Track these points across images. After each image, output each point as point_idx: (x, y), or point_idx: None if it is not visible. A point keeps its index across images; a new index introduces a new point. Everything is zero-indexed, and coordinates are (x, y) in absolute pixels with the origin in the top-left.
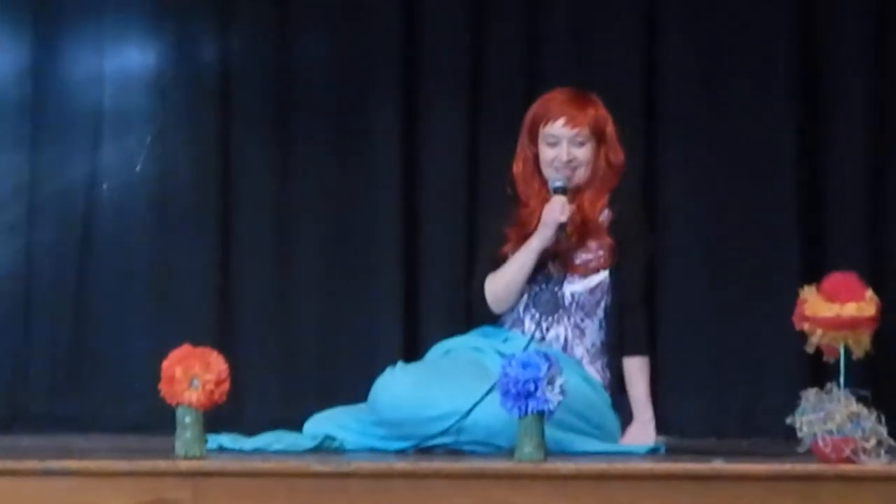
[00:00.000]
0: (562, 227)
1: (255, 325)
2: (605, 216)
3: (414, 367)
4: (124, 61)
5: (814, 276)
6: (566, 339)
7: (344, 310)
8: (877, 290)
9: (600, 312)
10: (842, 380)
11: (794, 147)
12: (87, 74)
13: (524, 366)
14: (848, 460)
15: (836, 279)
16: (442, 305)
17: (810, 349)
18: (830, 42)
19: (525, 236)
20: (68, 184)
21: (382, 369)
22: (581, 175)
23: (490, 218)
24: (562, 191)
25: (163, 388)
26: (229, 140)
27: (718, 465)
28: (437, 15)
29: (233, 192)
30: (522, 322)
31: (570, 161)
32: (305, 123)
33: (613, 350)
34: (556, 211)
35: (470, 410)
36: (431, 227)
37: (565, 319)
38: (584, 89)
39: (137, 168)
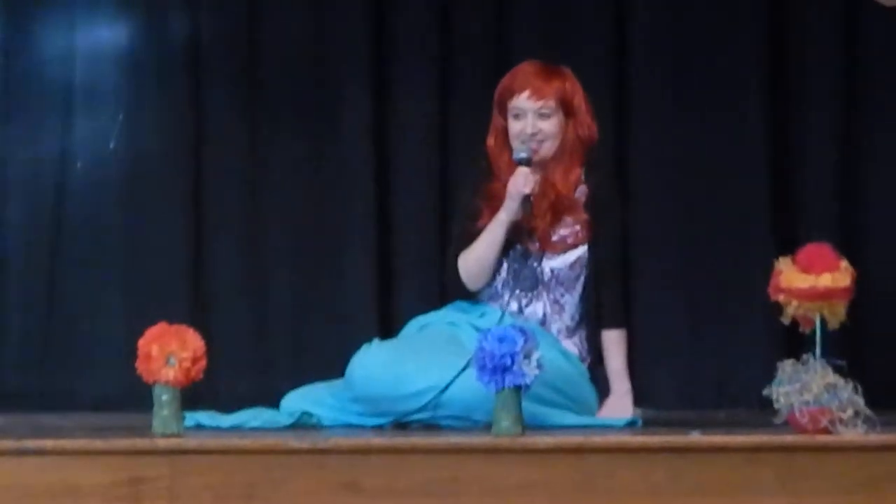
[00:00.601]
0: (526, 198)
1: (230, 303)
2: (580, 191)
3: (389, 344)
4: (95, 37)
5: (788, 246)
6: (544, 315)
7: (319, 286)
8: (851, 261)
9: (579, 287)
10: (818, 350)
11: (765, 118)
12: (57, 50)
13: (500, 340)
14: (825, 431)
15: (810, 250)
16: (417, 281)
17: (786, 320)
18: (801, 15)
19: (497, 210)
20: (39, 161)
21: (358, 346)
22: (548, 148)
23: (463, 193)
24: (526, 162)
25: (139, 366)
26: (201, 116)
27: (696, 436)
28: None
29: (205, 168)
30: (501, 298)
31: (534, 134)
32: (277, 99)
33: (591, 323)
34: (520, 183)
35: (447, 386)
36: (404, 202)
37: (544, 295)
38: (554, 62)
39: (111, 145)
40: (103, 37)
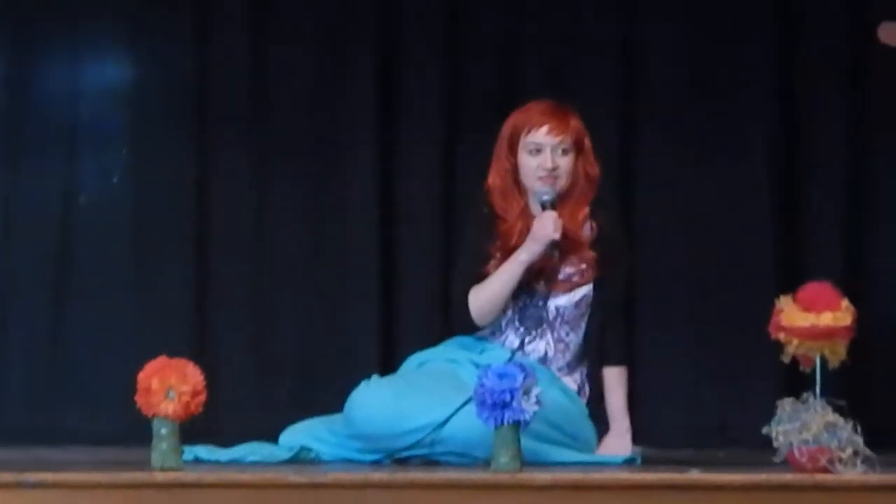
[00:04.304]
0: (554, 244)
1: (231, 337)
2: (587, 229)
3: (388, 381)
4: (100, 75)
5: (789, 285)
6: (545, 352)
7: (319, 321)
8: (853, 300)
9: (583, 325)
10: (818, 389)
11: (770, 157)
12: (62, 88)
13: (500, 376)
14: (824, 470)
15: (812, 289)
16: (418, 316)
17: (786, 359)
18: (810, 43)
19: (508, 251)
20: (44, 197)
21: (358, 381)
22: (562, 185)
23: (467, 228)
24: (550, 205)
25: (139, 399)
26: (205, 153)
27: (694, 475)
28: (415, 28)
29: (209, 205)
30: (504, 334)
31: (554, 169)
32: (282, 138)
33: (593, 360)
34: (549, 227)
35: (445, 421)
36: (407, 240)
37: (548, 333)
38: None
39: (115, 180)
40: (108, 74)
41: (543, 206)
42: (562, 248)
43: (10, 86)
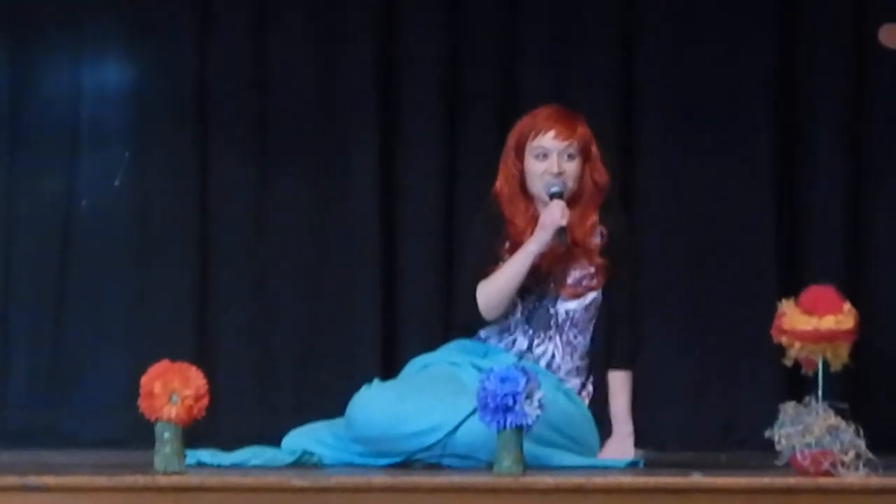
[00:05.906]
0: (562, 230)
1: (232, 341)
2: (596, 235)
3: (389, 385)
4: (102, 77)
5: (792, 288)
6: (553, 355)
7: (321, 325)
8: (854, 303)
9: (591, 328)
10: (820, 393)
11: (771, 161)
12: (64, 90)
13: (502, 380)
14: (826, 473)
15: (814, 292)
16: (420, 320)
17: (789, 362)
18: (807, 54)
19: (515, 251)
20: (46, 199)
21: (359, 385)
22: (569, 190)
23: (476, 226)
24: (558, 195)
25: (142, 403)
26: (207, 155)
27: (697, 478)
28: (415, 31)
29: (210, 207)
30: (513, 336)
31: (560, 173)
32: (283, 139)
33: (599, 364)
34: (557, 214)
35: (457, 427)
36: (409, 242)
37: (557, 337)
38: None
39: (116, 183)
40: (111, 77)
41: (551, 197)
42: (569, 252)
43: (12, 87)
